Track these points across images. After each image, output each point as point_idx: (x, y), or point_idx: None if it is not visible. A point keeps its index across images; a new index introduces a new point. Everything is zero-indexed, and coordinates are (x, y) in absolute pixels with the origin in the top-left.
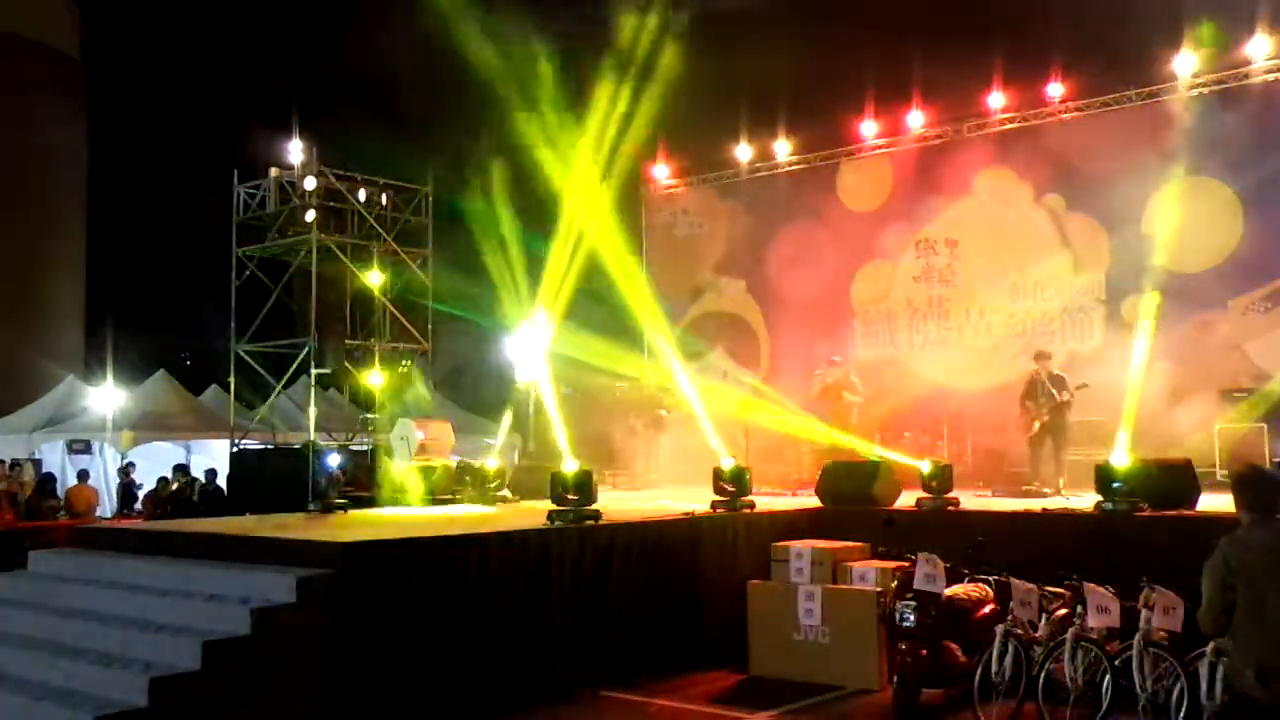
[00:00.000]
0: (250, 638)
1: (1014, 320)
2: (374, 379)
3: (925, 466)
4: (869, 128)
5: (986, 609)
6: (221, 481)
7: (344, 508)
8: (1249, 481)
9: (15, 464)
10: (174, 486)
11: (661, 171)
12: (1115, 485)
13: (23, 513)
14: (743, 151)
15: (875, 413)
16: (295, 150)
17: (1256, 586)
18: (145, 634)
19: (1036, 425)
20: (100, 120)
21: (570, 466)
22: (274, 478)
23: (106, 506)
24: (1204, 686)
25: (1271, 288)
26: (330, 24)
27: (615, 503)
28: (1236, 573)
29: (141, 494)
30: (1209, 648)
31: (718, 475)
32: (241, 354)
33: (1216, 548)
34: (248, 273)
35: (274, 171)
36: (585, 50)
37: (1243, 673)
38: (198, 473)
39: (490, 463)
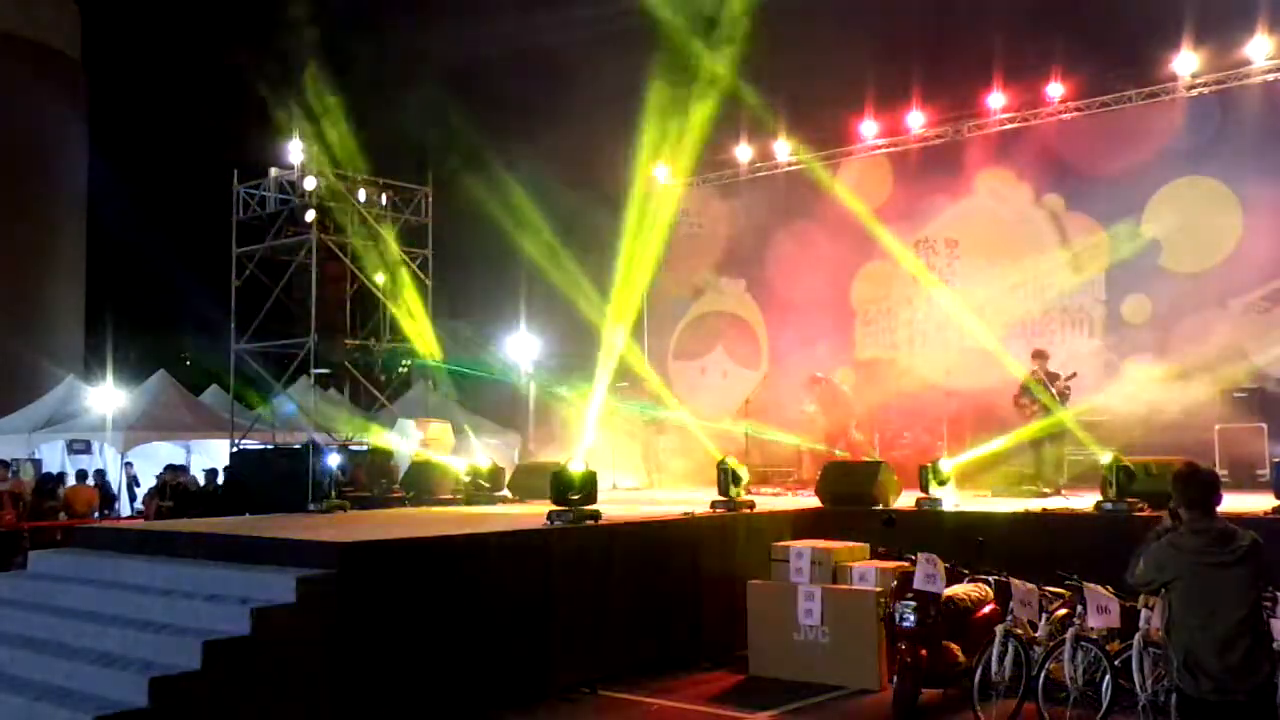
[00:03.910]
0: (250, 638)
1: (1013, 320)
2: None
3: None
4: (869, 128)
5: (986, 609)
6: (221, 481)
7: (344, 508)
8: (1185, 479)
9: (14, 465)
10: (170, 483)
11: (661, 171)
12: (1115, 485)
13: (23, 513)
14: (743, 151)
15: (876, 413)
16: (295, 150)
17: (1186, 586)
18: (145, 634)
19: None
20: (100, 120)
21: (571, 466)
22: (274, 478)
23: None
24: (1135, 677)
25: (1271, 288)
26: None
27: (615, 503)
28: (1170, 569)
29: (141, 493)
30: (1135, 639)
31: (720, 474)
32: (241, 354)
33: (1159, 540)
34: (248, 273)
35: (274, 171)
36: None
37: (1172, 665)
38: (197, 472)
39: (483, 461)
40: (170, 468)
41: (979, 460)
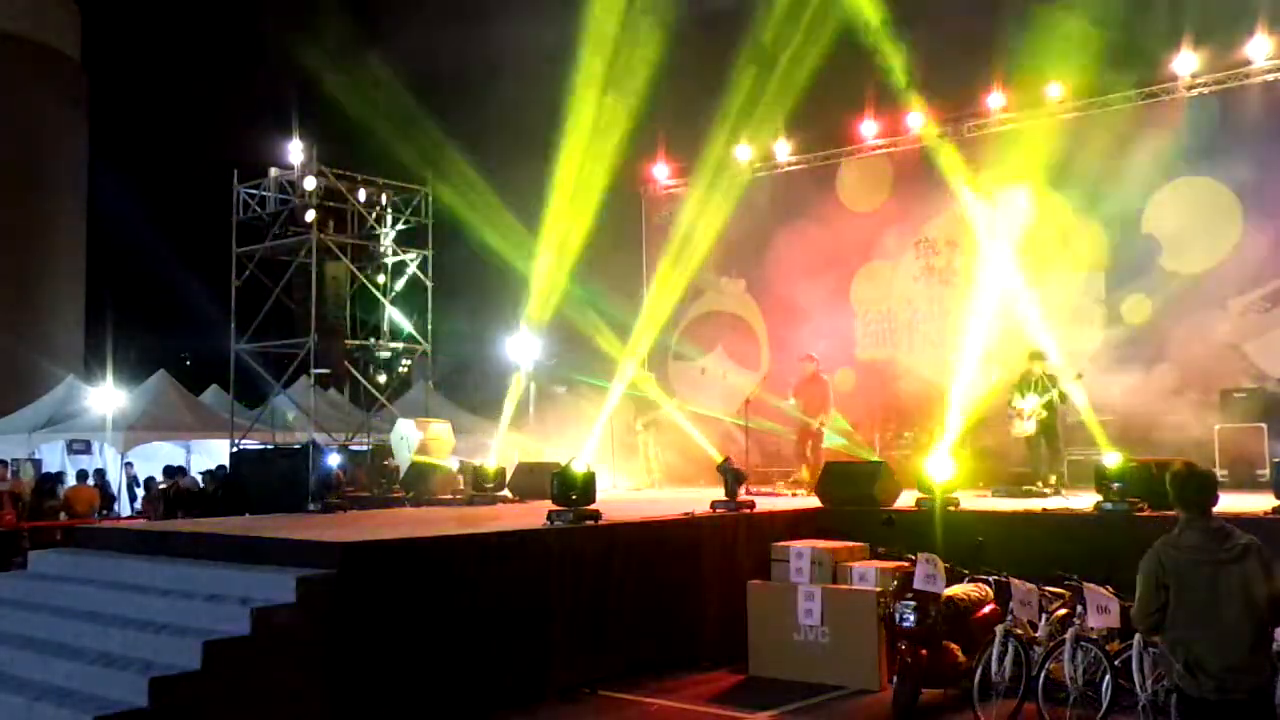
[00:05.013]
0: (250, 638)
1: (1013, 320)
2: None
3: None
4: (869, 128)
5: (986, 609)
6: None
7: (344, 508)
8: (1183, 480)
9: (14, 465)
10: (165, 485)
11: (661, 171)
12: (1115, 485)
13: (23, 513)
14: (743, 151)
15: (876, 413)
16: (295, 150)
17: (1185, 585)
18: (145, 634)
19: (1033, 424)
20: (100, 120)
21: (571, 466)
22: (274, 478)
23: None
24: (1135, 677)
25: (1271, 288)
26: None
27: (615, 503)
28: (1169, 572)
29: (141, 493)
30: (1135, 639)
31: (720, 475)
32: (241, 354)
33: (1150, 549)
34: (248, 273)
35: (274, 171)
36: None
37: (1173, 665)
38: (196, 473)
39: (489, 462)
40: (166, 469)
41: (962, 448)
